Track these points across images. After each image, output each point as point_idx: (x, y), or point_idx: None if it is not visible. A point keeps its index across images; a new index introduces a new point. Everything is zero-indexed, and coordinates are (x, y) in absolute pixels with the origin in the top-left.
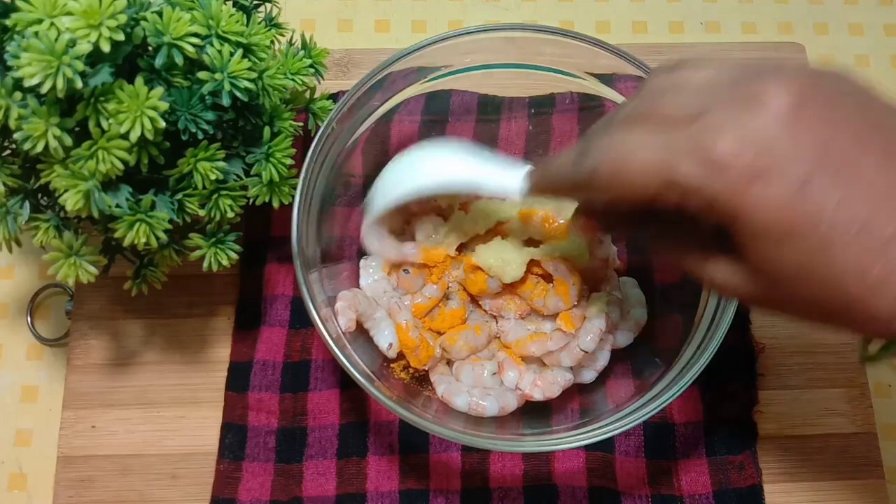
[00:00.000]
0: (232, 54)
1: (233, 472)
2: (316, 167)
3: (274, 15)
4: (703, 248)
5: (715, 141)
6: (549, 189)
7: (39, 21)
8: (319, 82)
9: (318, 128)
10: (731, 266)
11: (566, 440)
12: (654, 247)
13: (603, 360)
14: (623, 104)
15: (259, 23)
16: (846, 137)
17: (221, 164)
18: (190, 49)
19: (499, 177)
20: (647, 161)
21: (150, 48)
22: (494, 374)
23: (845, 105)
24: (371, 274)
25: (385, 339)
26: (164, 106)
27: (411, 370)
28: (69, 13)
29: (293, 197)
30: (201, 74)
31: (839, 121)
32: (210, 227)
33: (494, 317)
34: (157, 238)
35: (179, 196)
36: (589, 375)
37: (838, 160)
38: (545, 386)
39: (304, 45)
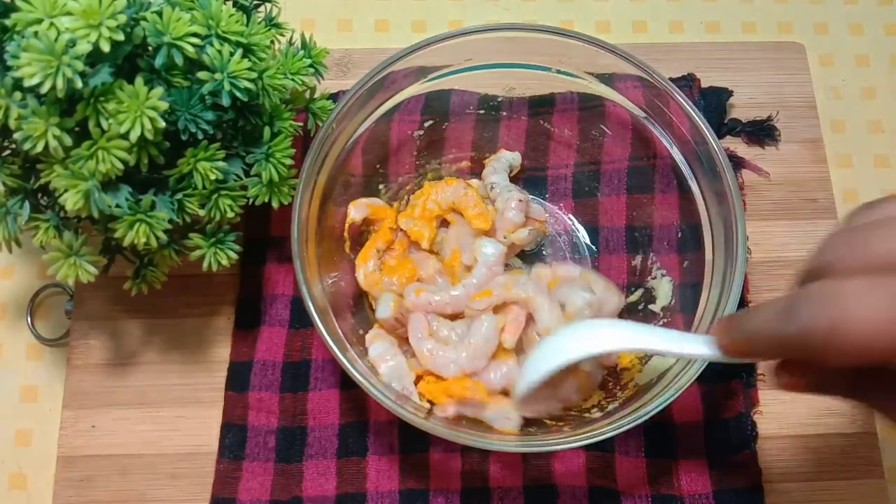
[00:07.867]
0: (232, 54)
1: (233, 472)
2: (316, 167)
3: (274, 15)
4: None
5: None
6: (750, 351)
7: (39, 21)
8: (319, 82)
9: (318, 128)
10: None
11: (566, 440)
12: (872, 403)
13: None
14: (824, 245)
15: (259, 23)
16: None
17: (221, 164)
18: (190, 49)
19: (681, 340)
20: (873, 319)
21: (150, 48)
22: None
23: None
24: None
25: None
26: (164, 106)
27: None
28: (69, 13)
29: (293, 197)
30: (201, 74)
31: None
32: (210, 227)
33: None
34: (157, 238)
35: (179, 196)
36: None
37: None
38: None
39: (304, 45)
